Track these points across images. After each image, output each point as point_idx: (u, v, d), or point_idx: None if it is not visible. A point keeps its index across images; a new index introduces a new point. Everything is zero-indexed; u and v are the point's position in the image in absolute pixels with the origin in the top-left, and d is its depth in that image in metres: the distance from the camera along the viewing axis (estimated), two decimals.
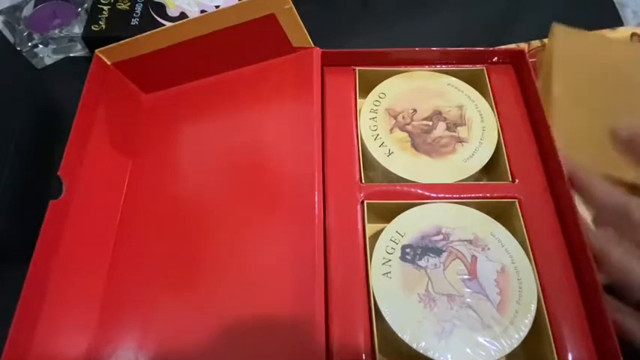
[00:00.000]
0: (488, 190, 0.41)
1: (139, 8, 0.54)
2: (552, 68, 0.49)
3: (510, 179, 0.41)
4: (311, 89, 0.42)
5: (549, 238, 0.39)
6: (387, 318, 0.35)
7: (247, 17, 0.42)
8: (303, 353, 0.34)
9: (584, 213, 0.39)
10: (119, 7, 0.55)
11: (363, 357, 0.35)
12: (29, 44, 0.55)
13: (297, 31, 0.43)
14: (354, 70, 0.47)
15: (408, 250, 0.38)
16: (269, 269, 0.38)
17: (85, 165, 0.40)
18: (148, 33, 0.42)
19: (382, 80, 0.47)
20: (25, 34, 0.55)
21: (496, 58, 0.48)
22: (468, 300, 0.36)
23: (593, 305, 0.36)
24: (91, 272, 0.40)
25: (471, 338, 0.34)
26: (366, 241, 0.39)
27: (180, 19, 0.52)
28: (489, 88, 0.46)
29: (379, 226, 0.40)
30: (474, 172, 0.42)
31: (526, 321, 0.35)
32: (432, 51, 0.47)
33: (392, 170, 0.42)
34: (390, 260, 0.37)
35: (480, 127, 0.44)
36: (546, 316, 0.36)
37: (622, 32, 0.54)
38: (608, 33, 0.54)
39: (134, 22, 0.54)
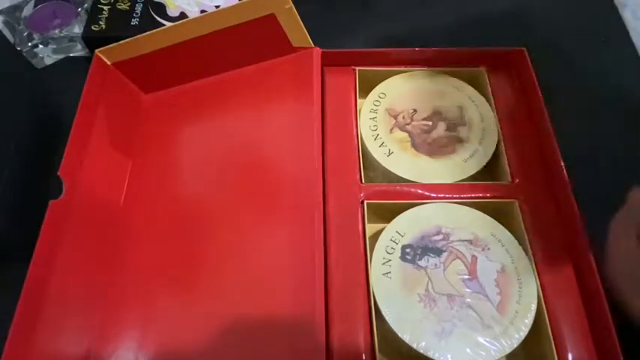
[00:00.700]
0: (488, 191, 0.41)
1: (139, 8, 0.54)
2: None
3: (510, 179, 0.42)
4: (311, 89, 0.42)
5: (549, 238, 0.39)
6: (387, 318, 0.35)
7: (247, 17, 0.42)
8: (303, 353, 0.34)
9: None
10: (119, 7, 0.54)
11: (364, 357, 0.35)
12: (29, 44, 0.54)
13: (297, 31, 0.43)
14: (354, 70, 0.47)
15: (408, 250, 0.38)
16: (269, 269, 0.38)
17: (85, 165, 0.40)
18: (147, 33, 0.42)
19: (382, 80, 0.47)
20: (25, 34, 0.55)
21: (495, 58, 0.48)
22: (468, 300, 0.36)
23: (593, 305, 0.36)
24: (92, 273, 0.40)
25: (471, 338, 0.34)
26: (366, 241, 0.39)
27: (181, 19, 0.52)
28: (489, 89, 0.46)
29: (379, 226, 0.40)
30: (473, 173, 0.42)
31: (526, 321, 0.35)
32: (432, 51, 0.47)
33: (392, 170, 0.42)
34: (390, 260, 0.37)
35: (479, 128, 0.44)
36: (546, 316, 0.36)
37: None
38: None
39: (134, 22, 0.53)
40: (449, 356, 0.34)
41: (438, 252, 0.38)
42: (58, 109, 0.51)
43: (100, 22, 0.53)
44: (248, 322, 0.36)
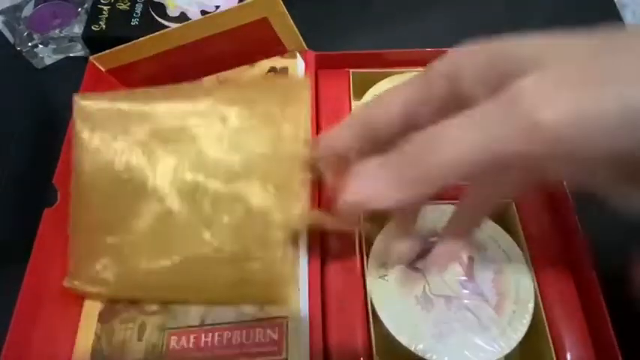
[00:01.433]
0: None
1: (139, 8, 0.54)
2: None
3: None
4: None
5: (546, 239, 0.39)
6: (384, 321, 0.35)
7: (240, 21, 0.42)
8: None
9: None
10: (119, 7, 0.55)
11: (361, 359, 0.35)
12: (29, 44, 0.55)
13: (290, 35, 0.43)
14: (348, 72, 0.47)
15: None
16: None
17: None
18: (141, 39, 0.43)
19: (376, 82, 0.47)
20: (25, 34, 0.55)
21: None
22: (466, 301, 0.36)
23: (590, 304, 0.36)
24: None
25: (469, 340, 0.34)
26: (362, 243, 0.39)
27: (181, 19, 0.53)
28: None
29: (378, 227, 0.40)
30: None
31: (524, 321, 0.35)
32: (426, 52, 0.47)
33: None
34: (386, 262, 0.37)
35: None
36: (544, 316, 0.36)
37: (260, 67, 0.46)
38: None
39: (134, 22, 0.54)
40: (446, 358, 0.34)
41: None
42: (58, 109, 0.51)
43: (100, 22, 0.54)
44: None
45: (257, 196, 0.34)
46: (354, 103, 0.46)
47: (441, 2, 0.60)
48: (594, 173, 0.23)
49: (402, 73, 0.47)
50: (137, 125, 0.37)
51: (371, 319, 0.36)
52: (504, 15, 0.58)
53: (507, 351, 0.34)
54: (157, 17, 0.54)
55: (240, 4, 0.42)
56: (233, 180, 0.35)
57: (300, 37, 0.43)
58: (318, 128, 0.43)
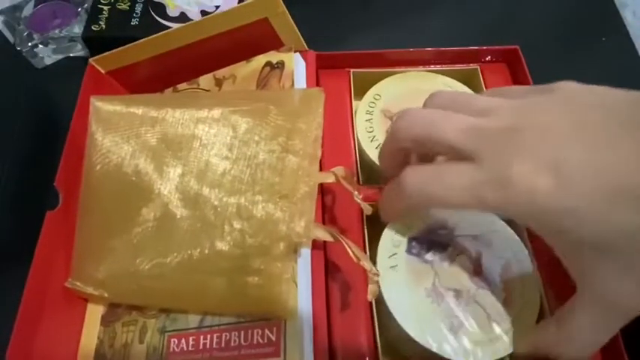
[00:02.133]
0: None
1: (139, 8, 0.54)
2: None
3: None
4: None
5: None
6: (393, 312, 0.35)
7: (241, 22, 0.42)
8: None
9: None
10: (119, 7, 0.55)
11: (367, 358, 0.35)
12: (29, 44, 0.55)
13: (291, 35, 0.43)
14: (348, 72, 0.47)
15: (414, 244, 0.37)
16: None
17: (81, 175, 0.40)
18: (141, 41, 0.43)
19: (377, 82, 0.47)
20: (25, 34, 0.55)
21: (489, 56, 0.48)
22: (475, 295, 0.35)
23: None
24: None
25: (479, 334, 0.34)
26: (365, 242, 0.39)
27: (181, 19, 0.53)
28: (483, 87, 0.46)
29: (378, 227, 0.40)
30: None
31: (531, 315, 0.35)
32: (426, 51, 0.47)
33: None
34: (396, 254, 0.37)
35: None
36: (548, 313, 0.36)
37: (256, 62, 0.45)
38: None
39: (134, 22, 0.54)
40: (456, 352, 0.33)
41: (444, 246, 0.38)
42: (57, 109, 0.51)
43: (100, 22, 0.54)
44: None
45: (262, 207, 0.34)
46: (355, 103, 0.46)
47: (440, 2, 0.60)
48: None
49: (401, 72, 0.47)
50: (148, 130, 0.38)
51: (375, 320, 0.36)
52: (504, 15, 0.58)
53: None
54: (156, 17, 0.54)
55: (241, 4, 0.42)
56: (239, 190, 0.35)
57: (301, 37, 0.43)
58: None
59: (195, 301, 0.35)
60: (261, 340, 0.33)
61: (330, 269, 0.37)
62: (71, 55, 0.57)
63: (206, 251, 0.34)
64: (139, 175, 0.37)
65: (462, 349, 0.33)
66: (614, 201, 0.24)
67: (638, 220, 0.24)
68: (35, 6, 0.58)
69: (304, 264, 0.35)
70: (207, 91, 0.44)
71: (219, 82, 0.43)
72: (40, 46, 0.55)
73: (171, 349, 0.35)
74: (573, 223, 0.25)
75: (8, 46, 0.53)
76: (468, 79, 0.47)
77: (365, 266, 0.33)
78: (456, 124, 0.29)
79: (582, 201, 0.25)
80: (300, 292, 0.34)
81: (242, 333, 0.34)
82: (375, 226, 0.40)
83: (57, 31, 0.55)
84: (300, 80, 0.43)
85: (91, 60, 0.44)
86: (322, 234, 0.34)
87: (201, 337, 0.34)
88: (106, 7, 0.55)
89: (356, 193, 0.36)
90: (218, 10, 0.53)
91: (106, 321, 0.38)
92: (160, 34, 0.42)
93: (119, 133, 0.38)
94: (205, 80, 0.44)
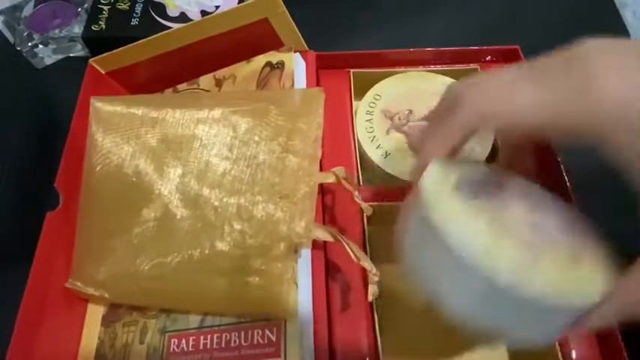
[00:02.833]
0: None
1: (139, 8, 0.54)
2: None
3: None
4: None
5: None
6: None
7: (241, 22, 0.42)
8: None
9: None
10: (119, 7, 0.55)
11: (367, 356, 0.35)
12: (29, 44, 0.55)
13: (291, 35, 0.43)
14: (348, 72, 0.47)
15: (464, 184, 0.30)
16: None
17: (81, 175, 0.40)
18: (140, 41, 0.43)
19: (377, 82, 0.47)
20: (25, 34, 0.55)
21: (489, 56, 0.48)
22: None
23: None
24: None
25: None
26: (365, 242, 0.39)
27: (181, 20, 0.53)
28: None
29: (378, 227, 0.40)
30: None
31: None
32: (426, 51, 0.47)
33: (389, 172, 0.42)
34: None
35: None
36: None
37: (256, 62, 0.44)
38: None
39: (134, 22, 0.54)
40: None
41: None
42: (57, 109, 0.51)
43: (100, 22, 0.54)
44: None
45: (262, 208, 0.34)
46: (355, 103, 0.46)
47: (441, 2, 0.60)
48: None
49: (402, 72, 0.47)
50: (149, 130, 0.38)
51: (376, 319, 0.36)
52: (504, 15, 0.58)
53: None
54: (156, 17, 0.54)
55: (241, 4, 0.42)
56: (239, 190, 0.35)
57: (301, 37, 0.43)
58: None
59: (195, 302, 0.35)
60: (261, 341, 0.33)
61: (330, 269, 0.37)
62: (71, 55, 0.57)
63: (206, 251, 0.34)
64: (139, 175, 0.37)
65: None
66: None
67: None
68: (35, 6, 0.58)
69: (304, 264, 0.35)
70: (207, 91, 0.44)
71: (219, 83, 0.44)
72: (40, 46, 0.55)
73: (172, 350, 0.35)
74: None
75: (8, 46, 0.53)
76: None
77: (365, 266, 0.33)
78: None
79: None
80: (301, 293, 0.34)
81: (242, 333, 0.34)
82: (375, 226, 0.40)
83: (57, 31, 0.55)
84: (300, 80, 0.43)
85: (91, 60, 0.44)
86: (322, 234, 0.34)
87: (202, 337, 0.35)
88: (106, 7, 0.55)
89: (356, 193, 0.36)
90: (218, 10, 0.53)
91: (106, 321, 0.38)
92: (159, 34, 0.42)
93: (119, 133, 0.38)
94: (205, 80, 0.44)
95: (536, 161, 0.36)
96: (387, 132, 0.44)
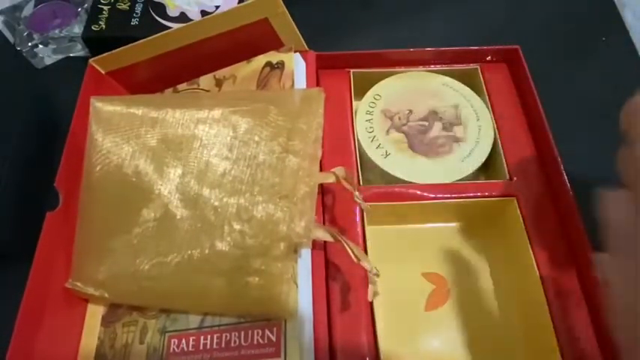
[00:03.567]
0: (486, 189, 0.41)
1: (139, 8, 0.54)
2: None
3: (508, 177, 0.42)
4: None
5: (548, 235, 0.39)
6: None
7: (241, 22, 0.42)
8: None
9: None
10: (119, 7, 0.55)
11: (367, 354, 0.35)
12: (29, 44, 0.55)
13: (291, 35, 0.43)
14: (348, 72, 0.47)
15: None
16: None
17: (81, 175, 0.39)
18: (141, 41, 0.43)
19: (377, 82, 0.47)
20: (25, 34, 0.55)
21: (490, 56, 0.48)
22: None
23: (593, 300, 0.36)
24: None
25: None
26: (365, 242, 0.39)
27: (181, 20, 0.53)
28: (484, 87, 0.46)
29: (378, 227, 0.40)
30: (471, 172, 0.42)
31: None
32: (426, 51, 0.47)
33: (389, 172, 0.42)
34: None
35: (475, 126, 0.44)
36: (547, 309, 0.36)
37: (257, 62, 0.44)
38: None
39: (134, 22, 0.54)
40: None
41: None
42: (57, 109, 0.51)
43: (100, 22, 0.54)
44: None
45: (262, 208, 0.34)
46: (355, 103, 0.46)
47: (440, 2, 0.60)
48: None
49: (402, 72, 0.47)
50: (148, 130, 0.38)
51: (376, 319, 0.36)
52: (504, 15, 0.58)
53: None
54: (156, 17, 0.54)
55: (241, 4, 0.42)
56: (239, 191, 0.35)
57: (301, 37, 0.43)
58: None
59: (195, 302, 0.35)
60: (261, 341, 0.33)
61: (330, 269, 0.38)
62: (71, 55, 0.57)
63: (206, 252, 0.34)
64: (139, 175, 0.37)
65: None
66: None
67: None
68: (35, 6, 0.58)
69: (304, 264, 0.35)
70: (208, 91, 0.43)
71: (219, 83, 0.43)
72: (40, 46, 0.55)
73: (172, 350, 0.35)
74: None
75: (8, 46, 0.53)
76: (468, 79, 0.47)
77: (365, 266, 0.33)
78: None
79: None
80: (301, 293, 0.34)
81: (242, 333, 0.34)
82: (375, 226, 0.40)
83: (57, 31, 0.55)
84: (300, 80, 0.43)
85: (91, 60, 0.44)
86: (322, 234, 0.34)
87: (202, 337, 0.34)
88: (106, 7, 0.55)
89: (356, 193, 0.36)
90: (218, 10, 0.53)
91: (106, 321, 0.38)
92: (160, 34, 0.42)
93: (119, 133, 0.38)
94: (205, 80, 0.44)
95: None
96: (387, 132, 0.44)
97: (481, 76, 0.47)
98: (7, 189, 0.42)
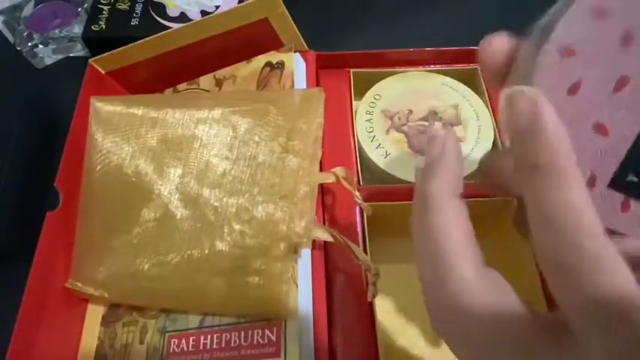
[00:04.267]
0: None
1: (138, 8, 0.54)
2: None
3: None
4: None
5: None
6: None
7: (241, 22, 0.42)
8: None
9: None
10: (119, 7, 0.55)
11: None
12: (29, 44, 0.55)
13: (291, 35, 0.43)
14: (348, 72, 0.47)
15: None
16: None
17: (81, 175, 0.40)
18: (140, 41, 0.43)
19: (377, 82, 0.47)
20: (25, 34, 0.55)
21: None
22: None
23: None
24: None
25: None
26: (365, 242, 0.39)
27: (181, 19, 0.53)
28: (484, 87, 0.46)
29: (379, 227, 0.40)
30: (471, 172, 0.42)
31: None
32: (426, 51, 0.47)
33: (389, 172, 0.42)
34: None
35: (475, 127, 0.44)
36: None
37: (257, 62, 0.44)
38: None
39: (134, 22, 0.54)
40: None
41: None
42: (57, 109, 0.51)
43: (100, 22, 0.54)
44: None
45: (262, 208, 0.34)
46: (355, 103, 0.46)
47: (440, 2, 0.60)
48: None
49: (401, 72, 0.47)
50: (148, 130, 0.38)
51: (376, 319, 0.36)
52: (504, 15, 0.58)
53: None
54: (156, 17, 0.54)
55: (241, 4, 0.42)
56: (239, 191, 0.35)
57: (301, 37, 0.43)
58: None
59: (195, 302, 0.35)
60: (261, 341, 0.33)
61: (330, 269, 0.37)
62: (71, 55, 0.57)
63: (206, 251, 0.34)
64: (139, 175, 0.37)
65: None
66: None
67: None
68: (35, 6, 0.58)
69: (304, 264, 0.35)
70: (208, 91, 0.44)
71: (219, 83, 0.44)
72: (40, 46, 0.55)
73: (172, 350, 0.35)
74: None
75: (8, 46, 0.53)
76: (468, 79, 0.47)
77: (365, 266, 0.33)
78: None
79: None
80: (300, 292, 0.34)
81: (242, 333, 0.34)
82: (375, 226, 0.40)
83: (57, 31, 0.55)
84: (300, 80, 0.43)
85: (91, 60, 0.44)
86: (322, 234, 0.34)
87: (202, 337, 0.35)
88: (106, 7, 0.55)
89: (356, 193, 0.36)
90: (218, 10, 0.53)
91: (106, 321, 0.38)
92: (160, 34, 0.42)
93: (119, 133, 0.38)
94: (205, 80, 0.44)
95: None
96: (387, 132, 0.44)
97: (480, 75, 0.47)
98: (7, 189, 0.42)
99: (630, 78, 0.19)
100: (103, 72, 0.45)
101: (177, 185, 0.36)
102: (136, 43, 0.43)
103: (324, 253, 0.37)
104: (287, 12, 0.41)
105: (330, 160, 0.42)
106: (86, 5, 0.57)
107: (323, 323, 0.34)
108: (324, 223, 0.39)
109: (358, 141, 0.43)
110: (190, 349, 0.34)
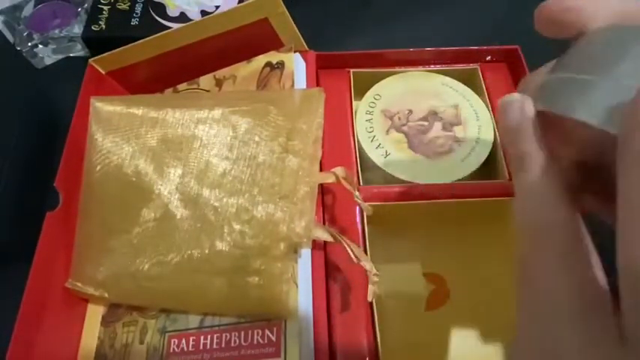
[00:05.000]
0: (486, 189, 0.41)
1: (139, 8, 0.54)
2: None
3: (508, 177, 0.42)
4: None
5: None
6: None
7: (241, 22, 0.42)
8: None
9: None
10: (119, 7, 0.55)
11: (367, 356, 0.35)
12: (29, 44, 0.55)
13: (291, 35, 0.43)
14: (348, 72, 0.47)
15: None
16: None
17: (81, 175, 0.40)
18: (140, 41, 0.43)
19: (377, 82, 0.47)
20: (25, 34, 0.55)
21: (489, 56, 0.48)
22: None
23: None
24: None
25: None
26: (365, 242, 0.39)
27: (181, 19, 0.53)
28: (484, 87, 0.46)
29: (378, 227, 0.40)
30: (471, 172, 0.42)
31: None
32: (426, 51, 0.47)
33: (389, 172, 0.42)
34: None
35: (475, 126, 0.44)
36: None
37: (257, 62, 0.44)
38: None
39: (134, 22, 0.54)
40: None
41: None
42: (57, 109, 0.51)
43: (100, 22, 0.54)
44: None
45: (262, 208, 0.34)
46: (355, 103, 0.46)
47: (440, 2, 0.60)
48: None
49: (402, 72, 0.47)
50: (148, 130, 0.38)
51: (376, 320, 0.36)
52: (504, 15, 0.58)
53: None
54: (156, 17, 0.54)
55: (241, 4, 0.42)
56: (239, 191, 0.35)
57: (301, 37, 0.43)
58: None
59: (195, 302, 0.35)
60: (261, 341, 0.33)
61: (330, 269, 0.37)
62: (71, 55, 0.57)
63: (206, 251, 0.34)
64: (139, 175, 0.37)
65: None
66: None
67: None
68: (35, 6, 0.58)
69: (304, 264, 0.35)
70: (207, 91, 0.44)
71: (219, 83, 0.44)
72: (40, 46, 0.55)
73: (172, 350, 0.35)
74: None
75: (8, 46, 0.53)
76: (468, 79, 0.47)
77: (365, 266, 0.33)
78: None
79: None
80: (300, 292, 0.34)
81: (242, 333, 0.34)
82: (375, 226, 0.40)
83: (57, 31, 0.55)
84: (300, 80, 0.43)
85: (91, 60, 0.44)
86: (322, 234, 0.34)
87: (202, 337, 0.34)
88: (106, 7, 0.55)
89: (356, 193, 0.36)
90: (218, 10, 0.53)
91: (106, 321, 0.38)
92: (160, 34, 0.42)
93: (119, 133, 0.38)
94: (205, 80, 0.44)
95: None
96: (387, 132, 0.44)
97: (481, 76, 0.47)
98: (7, 189, 0.42)
99: None
100: (103, 72, 0.45)
101: (177, 185, 0.36)
102: (136, 43, 0.43)
103: (324, 253, 0.37)
104: (287, 12, 0.41)
105: (330, 160, 0.42)
106: (86, 5, 0.57)
107: (323, 323, 0.34)
108: (324, 223, 0.39)
109: (358, 141, 0.43)
110: (190, 349, 0.34)
